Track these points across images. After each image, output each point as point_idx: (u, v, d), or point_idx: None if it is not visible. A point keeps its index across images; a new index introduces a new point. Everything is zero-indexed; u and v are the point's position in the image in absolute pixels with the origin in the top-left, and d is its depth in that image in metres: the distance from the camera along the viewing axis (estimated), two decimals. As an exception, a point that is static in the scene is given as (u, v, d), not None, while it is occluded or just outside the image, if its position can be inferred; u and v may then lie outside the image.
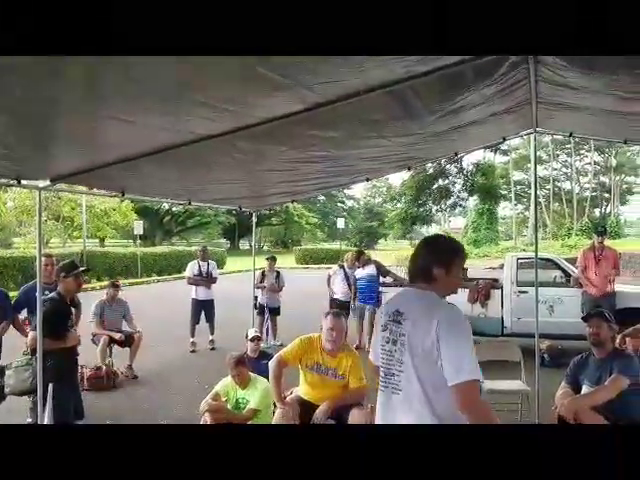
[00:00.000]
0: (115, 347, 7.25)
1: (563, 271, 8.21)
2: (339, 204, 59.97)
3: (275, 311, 9.12)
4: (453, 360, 1.92)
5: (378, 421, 2.24)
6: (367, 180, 6.88)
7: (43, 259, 5.70)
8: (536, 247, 5.54)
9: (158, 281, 22.78)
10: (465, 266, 2.38)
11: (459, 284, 2.25)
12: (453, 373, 1.91)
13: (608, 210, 57.85)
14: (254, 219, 8.32)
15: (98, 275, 20.16)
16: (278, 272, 9.37)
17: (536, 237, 6.20)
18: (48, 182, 3.85)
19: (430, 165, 28.84)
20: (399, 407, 2.09)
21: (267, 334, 8.84)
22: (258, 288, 8.93)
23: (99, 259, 21.49)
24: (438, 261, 2.10)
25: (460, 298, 8.32)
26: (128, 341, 7.16)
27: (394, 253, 34.97)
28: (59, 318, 4.22)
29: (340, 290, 8.97)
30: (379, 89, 2.91)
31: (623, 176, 57.54)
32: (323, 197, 52.17)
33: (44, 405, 4.02)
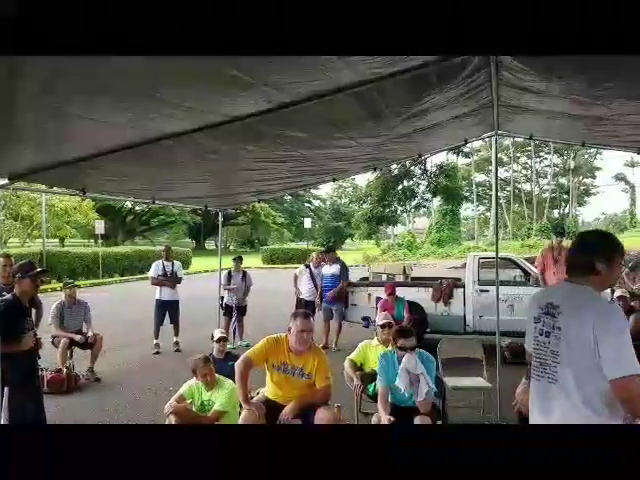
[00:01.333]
0: (76, 350, 7.08)
1: (523, 270, 8.43)
2: (306, 204, 59.99)
3: (242, 311, 9.08)
4: (612, 356, 1.97)
5: (532, 409, 2.28)
6: (334, 180, 6.93)
7: (1, 259, 5.53)
8: (497, 247, 5.67)
9: (120, 281, 22.32)
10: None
11: (617, 279, 2.32)
12: (612, 368, 1.96)
13: (566, 211, 59.61)
14: (220, 218, 8.26)
15: (58, 275, 19.62)
16: (245, 272, 9.33)
17: (497, 237, 6.34)
18: (6, 180, 3.74)
19: (395, 166, 29.23)
20: (555, 396, 2.14)
21: (234, 335, 8.79)
22: (226, 289, 8.87)
23: (59, 259, 20.92)
24: (601, 255, 2.15)
25: (424, 296, 8.48)
26: (89, 343, 7.00)
27: (361, 252, 35.27)
28: (12, 320, 4.09)
29: (306, 290, 8.99)
30: (345, 90, 2.94)
31: (581, 178, 59.38)
32: (290, 197, 52.10)
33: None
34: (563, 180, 59.39)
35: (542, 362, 2.21)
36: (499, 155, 6.36)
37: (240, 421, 3.93)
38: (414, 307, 8.11)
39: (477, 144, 48.96)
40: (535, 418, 2.24)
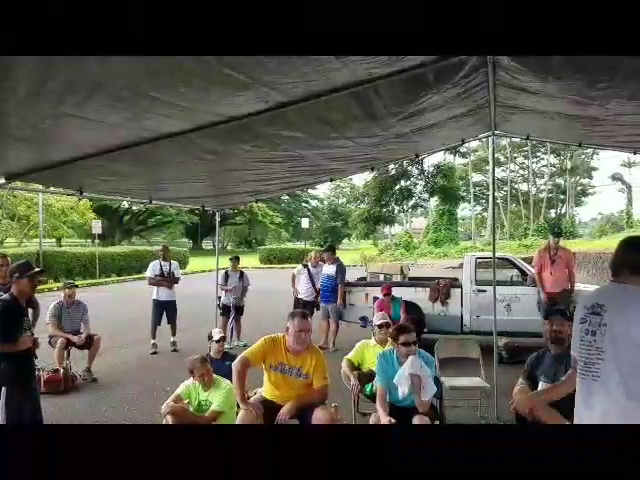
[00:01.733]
0: (73, 350, 7.07)
1: (520, 270, 8.45)
2: (303, 204, 60.02)
3: (239, 311, 9.08)
4: None
5: (578, 407, 2.29)
6: (331, 180, 6.93)
7: (-3, 259, 5.52)
8: (494, 247, 5.69)
9: (118, 281, 22.27)
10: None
11: None
12: None
13: (563, 211, 59.77)
14: (217, 218, 8.25)
15: (55, 275, 19.58)
16: (242, 272, 9.33)
17: (494, 237, 6.37)
18: (3, 180, 3.73)
19: (392, 166, 29.26)
20: (597, 392, 2.16)
21: (232, 334, 8.78)
22: (223, 289, 8.86)
23: (56, 259, 20.87)
24: None
25: (422, 296, 8.49)
26: (87, 343, 6.99)
27: (359, 252, 35.30)
28: (10, 320, 4.08)
29: (304, 290, 8.99)
30: (343, 90, 2.94)
31: (578, 178, 59.56)
32: (287, 197, 52.11)
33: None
34: (560, 180, 59.56)
35: (587, 361, 2.23)
36: (496, 155, 6.36)
37: (237, 421, 3.93)
38: (411, 307, 8.11)
39: (474, 144, 49.15)
40: (580, 413, 2.26)
